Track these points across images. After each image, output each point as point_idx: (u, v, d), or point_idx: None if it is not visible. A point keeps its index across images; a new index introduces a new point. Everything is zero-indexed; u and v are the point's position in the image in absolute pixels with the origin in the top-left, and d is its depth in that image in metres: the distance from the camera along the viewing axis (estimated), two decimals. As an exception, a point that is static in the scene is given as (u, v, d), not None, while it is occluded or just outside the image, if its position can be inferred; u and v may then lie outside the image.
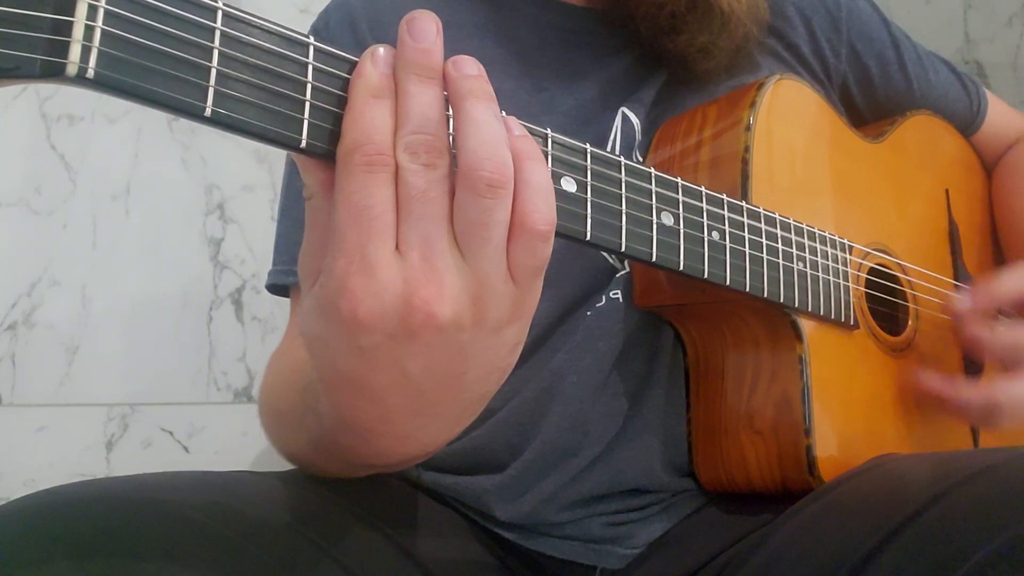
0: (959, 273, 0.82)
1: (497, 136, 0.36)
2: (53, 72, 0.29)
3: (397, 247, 0.35)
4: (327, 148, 0.36)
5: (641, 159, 0.70)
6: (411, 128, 0.36)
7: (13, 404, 0.95)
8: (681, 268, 0.51)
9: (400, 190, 0.35)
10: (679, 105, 0.72)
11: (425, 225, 0.35)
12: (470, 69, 0.37)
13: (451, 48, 0.73)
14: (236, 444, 1.03)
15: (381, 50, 0.37)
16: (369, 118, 0.35)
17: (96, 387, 0.99)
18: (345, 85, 0.37)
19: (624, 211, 0.47)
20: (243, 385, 1.08)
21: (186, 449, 1.03)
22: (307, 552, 0.48)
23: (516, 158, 0.37)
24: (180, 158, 1.05)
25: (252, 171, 1.09)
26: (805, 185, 0.68)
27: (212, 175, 1.07)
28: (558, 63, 0.72)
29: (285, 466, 0.61)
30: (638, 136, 0.71)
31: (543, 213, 0.37)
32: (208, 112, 0.32)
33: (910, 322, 0.74)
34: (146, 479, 0.48)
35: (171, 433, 1.03)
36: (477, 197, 0.35)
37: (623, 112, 0.71)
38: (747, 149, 0.63)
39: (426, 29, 0.36)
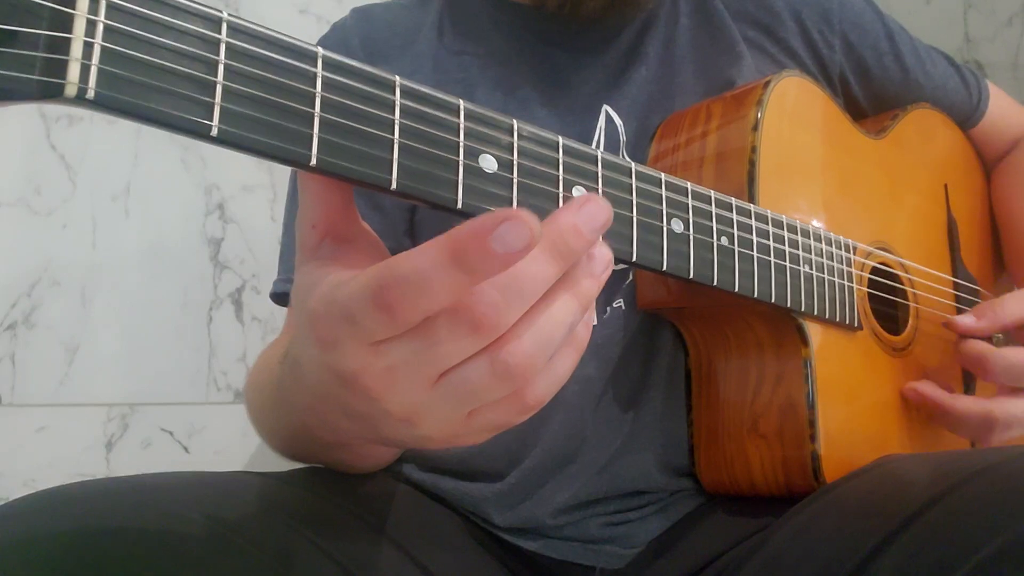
0: (957, 269, 0.82)
1: (554, 338, 0.34)
2: (51, 93, 0.27)
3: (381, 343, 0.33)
4: (338, 163, 0.34)
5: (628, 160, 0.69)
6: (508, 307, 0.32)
7: (13, 404, 0.94)
8: (691, 276, 0.50)
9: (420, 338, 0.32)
10: (665, 103, 0.71)
11: (419, 366, 0.33)
12: (599, 267, 0.35)
13: (426, 51, 0.74)
14: (236, 444, 1.03)
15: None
16: (454, 277, 0.30)
17: (96, 387, 0.98)
18: (356, 98, 0.35)
19: (635, 218, 0.46)
20: (243, 385, 1.07)
21: (186, 449, 1.03)
22: (306, 553, 0.48)
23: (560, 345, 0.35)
24: (180, 158, 1.05)
25: (252, 171, 1.08)
26: (810, 184, 0.67)
27: (212, 175, 1.06)
28: (535, 64, 0.72)
29: (284, 466, 0.61)
30: (622, 136, 0.70)
31: (540, 396, 0.35)
32: (215, 132, 0.30)
33: (911, 321, 0.74)
34: (145, 479, 0.48)
35: (171, 433, 1.02)
36: (493, 377, 0.33)
37: (606, 111, 0.70)
38: (754, 149, 0.62)
39: (600, 215, 0.34)
